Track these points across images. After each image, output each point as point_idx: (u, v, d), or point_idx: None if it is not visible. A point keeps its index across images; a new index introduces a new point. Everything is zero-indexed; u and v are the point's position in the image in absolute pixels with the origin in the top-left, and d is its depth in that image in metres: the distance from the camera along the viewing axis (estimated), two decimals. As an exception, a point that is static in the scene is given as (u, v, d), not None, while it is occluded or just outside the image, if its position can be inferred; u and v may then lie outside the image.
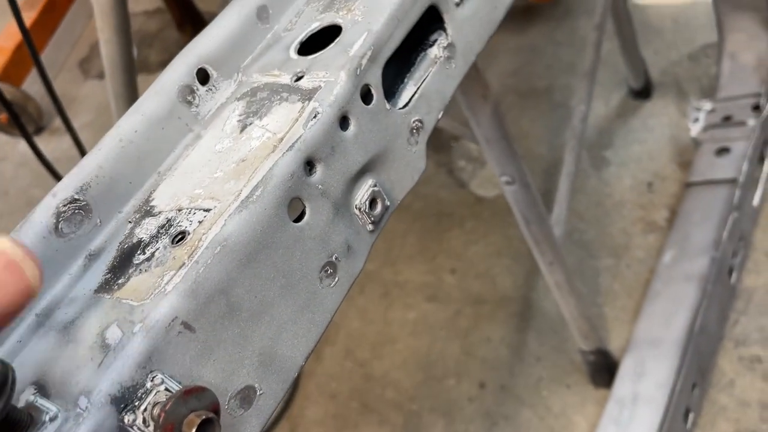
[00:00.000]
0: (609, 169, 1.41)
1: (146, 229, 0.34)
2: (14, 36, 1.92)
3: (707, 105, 1.29)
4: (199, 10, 1.16)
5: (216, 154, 0.36)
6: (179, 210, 0.34)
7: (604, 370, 1.10)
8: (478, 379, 1.20)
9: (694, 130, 1.27)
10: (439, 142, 1.56)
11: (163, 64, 2.13)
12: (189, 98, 0.39)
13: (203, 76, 0.40)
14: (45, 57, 2.02)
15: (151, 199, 0.36)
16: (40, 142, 1.98)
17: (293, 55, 0.40)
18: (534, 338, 1.22)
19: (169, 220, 0.34)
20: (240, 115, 0.38)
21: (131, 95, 0.79)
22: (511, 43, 1.72)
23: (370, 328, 1.31)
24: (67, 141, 1.97)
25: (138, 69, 2.07)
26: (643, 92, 1.48)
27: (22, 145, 1.89)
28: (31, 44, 1.08)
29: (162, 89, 0.38)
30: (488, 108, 0.72)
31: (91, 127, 1.86)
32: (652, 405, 0.96)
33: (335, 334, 1.33)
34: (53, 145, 1.88)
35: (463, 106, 0.72)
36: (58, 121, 2.04)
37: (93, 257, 0.35)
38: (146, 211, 0.36)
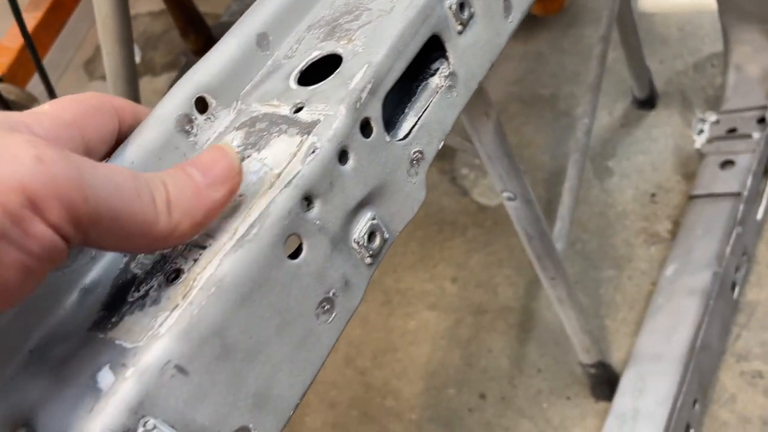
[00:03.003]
0: (612, 179, 1.41)
1: (141, 263, 0.34)
2: (19, 36, 1.91)
3: (712, 117, 1.28)
4: (202, 16, 1.16)
5: (213, 187, 0.36)
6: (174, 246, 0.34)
7: (604, 383, 1.10)
8: (478, 389, 1.20)
9: (699, 141, 1.26)
10: (442, 150, 1.56)
11: (168, 66, 2.11)
12: (187, 128, 0.39)
13: (202, 105, 0.40)
14: (50, 57, 2.02)
15: (147, 231, 0.36)
16: (44, 142, 1.98)
17: (293, 84, 0.40)
18: (535, 349, 1.22)
19: (164, 256, 0.34)
20: (238, 146, 0.38)
21: (133, 105, 0.79)
22: (516, 50, 1.71)
23: (371, 336, 1.31)
24: (70, 142, 1.97)
25: (142, 71, 2.07)
26: (648, 102, 1.47)
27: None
28: (32, 46, 1.07)
29: (159, 119, 0.38)
30: (491, 125, 0.71)
31: (94, 128, 1.85)
32: (653, 421, 0.96)
33: (337, 342, 1.32)
34: (56, 146, 1.87)
35: (466, 124, 0.72)
36: (61, 122, 2.04)
37: (87, 292, 0.34)
38: (141, 244, 0.35)
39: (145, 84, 1.85)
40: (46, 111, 0.32)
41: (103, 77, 2.12)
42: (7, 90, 1.85)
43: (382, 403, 1.22)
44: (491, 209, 1.43)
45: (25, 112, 0.32)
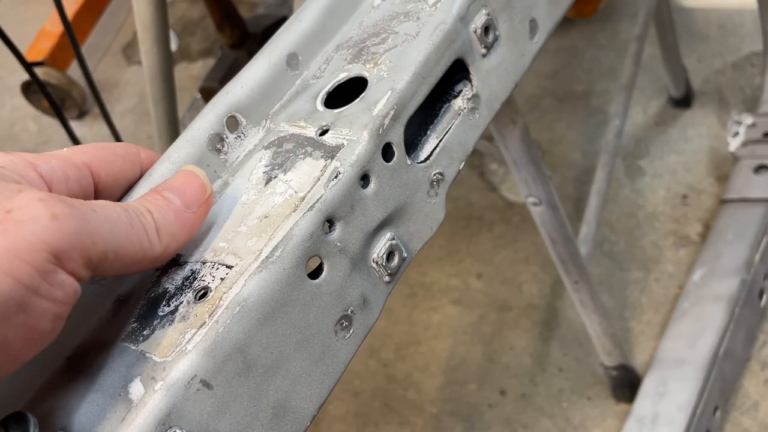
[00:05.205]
0: (643, 179, 1.40)
1: (172, 279, 0.36)
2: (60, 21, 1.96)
3: (748, 119, 1.26)
4: (238, 10, 1.19)
5: (241, 206, 0.38)
6: (203, 263, 0.36)
7: (625, 385, 1.10)
8: (499, 386, 1.21)
9: (733, 144, 1.25)
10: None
11: (204, 52, 2.13)
12: (218, 146, 0.41)
13: (232, 124, 0.41)
14: (90, 41, 2.06)
15: (178, 246, 0.38)
16: (83, 126, 2.03)
17: (320, 106, 0.41)
18: (557, 348, 1.23)
19: (193, 272, 0.36)
20: (266, 166, 0.39)
21: (170, 102, 0.81)
22: (550, 44, 1.70)
23: (395, 329, 1.33)
24: (109, 125, 2.02)
25: (179, 58, 2.10)
26: (684, 101, 1.45)
27: (66, 128, 1.95)
28: (70, 32, 1.08)
29: (192, 138, 0.40)
30: (517, 132, 0.72)
31: (133, 112, 1.90)
32: (672, 426, 0.96)
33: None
34: (96, 129, 1.92)
35: (493, 129, 0.73)
36: (101, 106, 2.09)
37: (122, 302, 0.37)
38: (173, 259, 0.37)
39: (182, 70, 1.89)
40: (61, 153, 0.35)
41: (140, 62, 2.17)
42: (48, 74, 1.90)
43: (404, 395, 1.24)
44: (519, 206, 1.43)
45: (36, 154, 0.34)
